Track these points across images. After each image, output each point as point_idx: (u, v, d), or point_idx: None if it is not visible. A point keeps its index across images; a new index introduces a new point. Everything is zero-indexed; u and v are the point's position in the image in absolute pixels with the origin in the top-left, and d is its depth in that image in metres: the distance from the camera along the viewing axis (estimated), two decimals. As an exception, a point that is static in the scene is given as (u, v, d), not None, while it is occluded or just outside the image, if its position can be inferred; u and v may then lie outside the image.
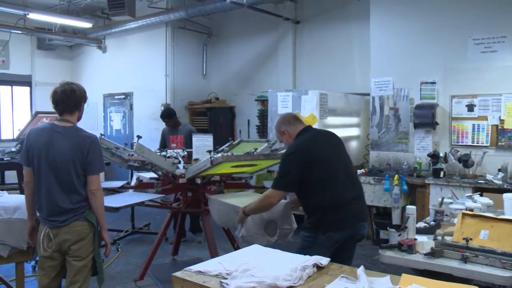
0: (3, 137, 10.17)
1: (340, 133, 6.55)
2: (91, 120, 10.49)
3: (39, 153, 2.94)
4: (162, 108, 9.02)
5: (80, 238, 2.95)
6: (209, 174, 4.50)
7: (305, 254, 2.55)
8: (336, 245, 3.05)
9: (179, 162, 4.50)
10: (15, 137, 9.09)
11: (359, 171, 6.26)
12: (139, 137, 4.25)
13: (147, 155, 4.26)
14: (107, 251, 3.15)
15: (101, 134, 4.76)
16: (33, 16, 8.21)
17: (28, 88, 10.73)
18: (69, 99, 2.98)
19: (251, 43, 9.19)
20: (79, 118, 3.12)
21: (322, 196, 3.06)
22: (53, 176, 2.92)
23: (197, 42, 9.72)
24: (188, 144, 6.12)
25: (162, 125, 6.58)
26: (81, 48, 11.16)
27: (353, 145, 7.14)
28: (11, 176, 7.67)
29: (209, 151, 4.10)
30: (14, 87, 10.55)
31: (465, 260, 2.51)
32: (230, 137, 9.00)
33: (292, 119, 3.37)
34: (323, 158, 3.11)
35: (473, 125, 5.93)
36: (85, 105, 3.18)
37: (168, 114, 6.47)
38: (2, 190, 3.91)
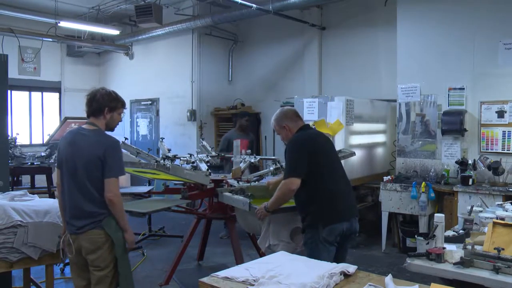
0: (33, 142, 10.40)
1: (366, 139, 6.66)
2: (118, 125, 10.65)
3: (61, 155, 3.01)
4: (189, 113, 9.12)
5: (97, 247, 2.91)
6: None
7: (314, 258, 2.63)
8: (337, 240, 3.18)
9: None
10: (44, 142, 9.30)
11: (385, 178, 6.20)
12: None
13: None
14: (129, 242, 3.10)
15: (125, 138, 4.71)
16: (64, 24, 8.42)
17: (57, 94, 11.01)
18: (91, 103, 3.05)
19: (277, 49, 9.21)
20: (108, 126, 3.12)
21: (323, 186, 3.21)
22: (72, 178, 2.93)
23: (223, 49, 9.79)
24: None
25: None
26: (108, 55, 11.38)
27: (379, 152, 7.07)
28: (40, 180, 7.84)
29: None
30: (44, 93, 10.83)
31: (497, 270, 2.44)
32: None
33: (294, 115, 3.47)
34: (324, 151, 3.36)
35: (504, 132, 5.80)
36: (121, 115, 3.21)
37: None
38: (33, 193, 3.98)
